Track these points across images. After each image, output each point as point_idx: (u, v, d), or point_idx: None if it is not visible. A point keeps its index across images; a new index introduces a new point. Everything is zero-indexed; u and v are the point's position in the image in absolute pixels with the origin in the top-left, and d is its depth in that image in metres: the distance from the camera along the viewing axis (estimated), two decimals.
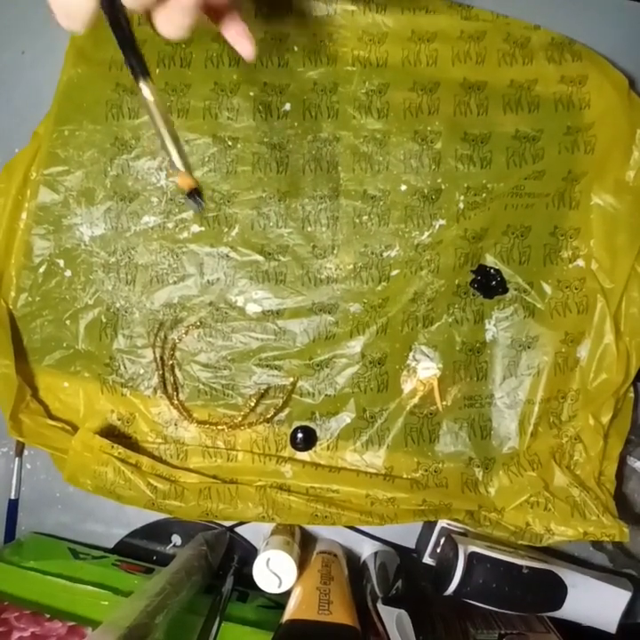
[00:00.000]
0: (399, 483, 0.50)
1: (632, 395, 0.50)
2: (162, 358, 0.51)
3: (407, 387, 0.51)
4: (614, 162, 0.49)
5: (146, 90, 0.30)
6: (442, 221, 0.50)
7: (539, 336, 0.50)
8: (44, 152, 0.50)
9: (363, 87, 0.50)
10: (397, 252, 0.50)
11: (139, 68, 0.30)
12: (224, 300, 0.51)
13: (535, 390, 0.50)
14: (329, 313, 0.51)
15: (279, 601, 0.49)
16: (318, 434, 0.51)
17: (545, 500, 0.48)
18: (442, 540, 0.49)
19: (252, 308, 0.51)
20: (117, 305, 0.51)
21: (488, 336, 0.51)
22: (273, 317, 0.51)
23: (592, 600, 0.47)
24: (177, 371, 0.51)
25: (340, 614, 0.41)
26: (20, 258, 0.51)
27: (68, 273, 0.51)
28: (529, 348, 0.50)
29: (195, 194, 0.33)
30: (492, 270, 0.50)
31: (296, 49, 0.50)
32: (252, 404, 0.51)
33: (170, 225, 0.51)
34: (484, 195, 0.50)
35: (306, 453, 0.51)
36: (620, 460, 0.49)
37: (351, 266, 0.50)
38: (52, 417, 0.51)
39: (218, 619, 0.43)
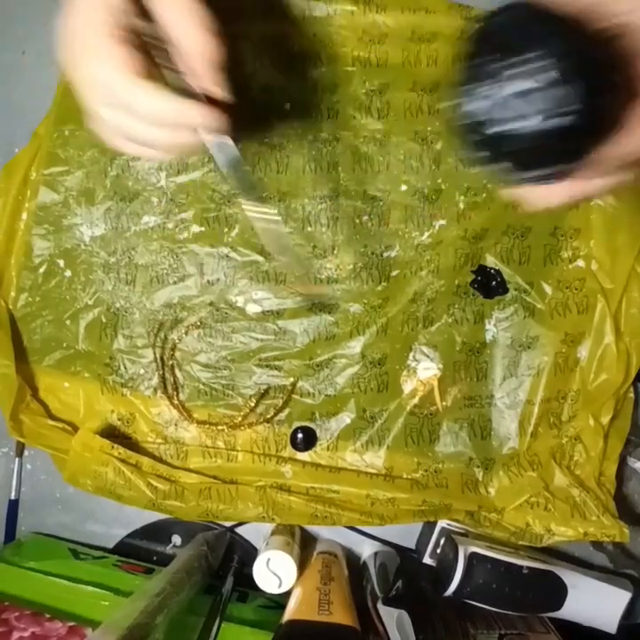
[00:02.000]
0: (399, 483, 0.50)
1: (632, 395, 0.50)
2: (162, 358, 0.51)
3: (407, 387, 0.51)
4: None
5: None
6: (442, 222, 0.50)
7: (539, 336, 0.50)
8: (45, 152, 0.50)
9: (363, 87, 0.50)
10: (397, 253, 0.50)
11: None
12: (224, 301, 0.51)
13: (535, 390, 0.50)
14: (329, 313, 0.51)
15: (279, 601, 0.48)
16: (318, 434, 0.51)
17: (545, 501, 0.48)
18: (442, 541, 0.49)
19: (252, 309, 0.51)
20: (117, 305, 0.51)
21: (488, 336, 0.51)
22: (273, 317, 0.51)
23: (592, 601, 0.47)
24: (177, 371, 0.51)
25: (341, 615, 0.41)
26: (21, 258, 0.51)
27: (68, 273, 0.51)
28: (529, 348, 0.50)
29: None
30: (492, 270, 0.50)
31: (296, 49, 0.50)
32: (252, 405, 0.51)
33: (170, 225, 0.51)
34: (483, 195, 0.50)
35: (306, 454, 0.51)
36: (620, 461, 0.49)
37: (351, 266, 0.50)
38: (52, 417, 0.51)
39: (218, 619, 0.43)
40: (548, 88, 0.23)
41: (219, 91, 0.33)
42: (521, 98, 0.23)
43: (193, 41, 0.31)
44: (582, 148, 0.24)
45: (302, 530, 0.53)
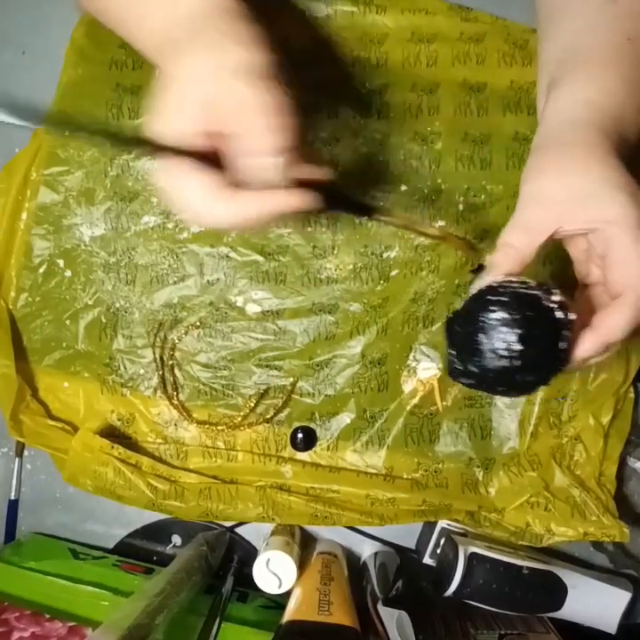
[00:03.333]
0: (399, 483, 0.50)
1: (632, 395, 0.50)
2: (162, 358, 0.51)
3: (407, 387, 0.51)
4: None
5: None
6: (442, 222, 0.50)
7: None
8: (45, 152, 0.50)
9: (363, 88, 0.50)
10: (397, 253, 0.50)
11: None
12: (224, 301, 0.51)
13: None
14: (329, 313, 0.51)
15: (279, 601, 0.48)
16: (318, 434, 0.51)
17: (545, 501, 0.48)
18: (442, 541, 0.49)
19: (252, 308, 0.51)
20: (117, 305, 0.51)
21: None
22: (273, 317, 0.51)
23: (592, 601, 0.47)
24: (177, 371, 0.51)
25: (341, 615, 0.41)
26: (20, 258, 0.51)
27: (68, 273, 0.51)
28: None
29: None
30: None
31: (296, 50, 0.50)
32: (252, 405, 0.51)
33: (170, 225, 0.51)
34: (483, 196, 0.50)
35: (306, 454, 0.51)
36: (620, 461, 0.49)
37: (351, 266, 0.50)
38: (52, 417, 0.51)
39: (218, 619, 0.43)
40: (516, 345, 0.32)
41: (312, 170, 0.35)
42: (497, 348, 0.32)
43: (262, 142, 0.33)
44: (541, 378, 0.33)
45: (302, 530, 0.53)
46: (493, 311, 0.32)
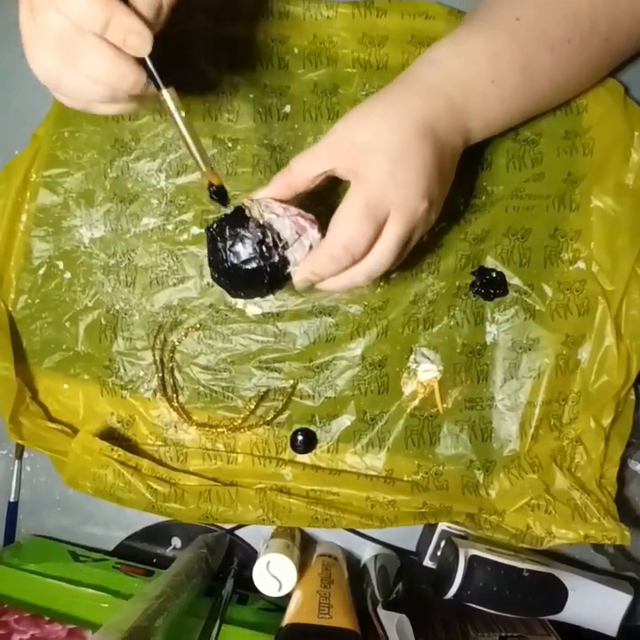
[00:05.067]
0: (399, 485, 0.50)
1: (633, 397, 0.50)
2: (161, 360, 0.51)
3: (408, 389, 0.51)
4: (614, 164, 0.49)
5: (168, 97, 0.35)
6: (442, 223, 0.50)
7: (539, 338, 0.50)
8: (44, 154, 0.50)
9: (363, 89, 0.50)
10: None
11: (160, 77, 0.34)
12: (224, 303, 0.51)
13: (536, 392, 0.50)
14: (329, 315, 0.51)
15: (279, 604, 0.48)
16: (318, 436, 0.51)
17: (546, 503, 0.48)
18: (442, 543, 0.49)
19: (252, 310, 0.51)
20: (117, 307, 0.51)
21: (489, 338, 0.51)
22: (273, 319, 0.51)
23: (593, 603, 0.47)
24: (177, 373, 0.51)
25: (341, 618, 0.41)
26: (20, 260, 0.51)
27: (68, 275, 0.51)
28: (530, 350, 0.50)
29: (219, 192, 0.39)
30: (492, 272, 0.50)
31: (296, 51, 0.50)
32: (252, 407, 0.51)
33: (170, 227, 0.51)
34: (483, 197, 0.50)
35: (306, 456, 0.51)
36: (620, 463, 0.49)
37: None
38: (51, 419, 0.51)
39: (218, 621, 0.43)
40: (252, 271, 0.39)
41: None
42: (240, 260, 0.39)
43: None
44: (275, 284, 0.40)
45: (302, 532, 0.53)
46: (237, 230, 0.39)
